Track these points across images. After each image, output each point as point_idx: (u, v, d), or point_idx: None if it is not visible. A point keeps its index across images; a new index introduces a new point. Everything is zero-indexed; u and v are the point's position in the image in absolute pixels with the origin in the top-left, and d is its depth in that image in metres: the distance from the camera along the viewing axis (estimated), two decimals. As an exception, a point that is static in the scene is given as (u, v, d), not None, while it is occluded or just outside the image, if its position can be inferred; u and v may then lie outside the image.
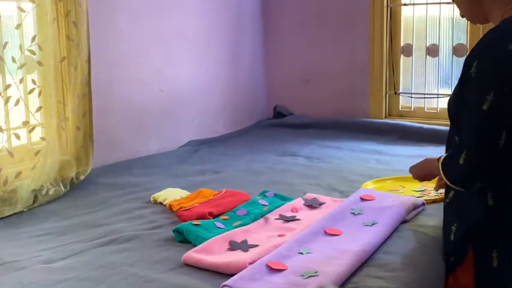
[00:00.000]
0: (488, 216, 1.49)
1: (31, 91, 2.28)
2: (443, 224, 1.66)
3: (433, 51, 3.33)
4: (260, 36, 3.80)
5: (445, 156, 1.55)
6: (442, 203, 1.72)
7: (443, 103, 3.33)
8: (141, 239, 1.76)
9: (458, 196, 1.57)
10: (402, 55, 3.43)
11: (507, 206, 1.46)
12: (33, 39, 2.25)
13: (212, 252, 1.58)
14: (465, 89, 1.48)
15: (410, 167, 1.83)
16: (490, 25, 1.56)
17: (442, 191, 1.87)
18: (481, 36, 1.51)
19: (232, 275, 1.42)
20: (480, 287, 1.53)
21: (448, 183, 1.52)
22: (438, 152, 1.91)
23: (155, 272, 1.52)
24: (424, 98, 3.39)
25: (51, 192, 2.24)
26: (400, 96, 3.46)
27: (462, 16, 1.65)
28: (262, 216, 1.86)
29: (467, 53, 1.54)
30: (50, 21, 2.27)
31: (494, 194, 1.47)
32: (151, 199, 2.17)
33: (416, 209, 1.88)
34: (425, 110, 3.39)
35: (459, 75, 1.53)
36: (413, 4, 3.37)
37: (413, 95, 3.43)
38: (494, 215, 1.48)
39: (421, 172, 1.78)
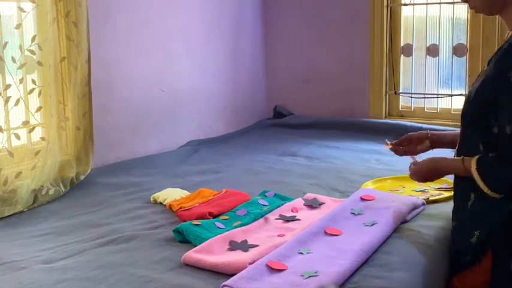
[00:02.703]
0: (510, 221, 1.48)
1: (31, 91, 2.28)
2: (461, 227, 1.63)
3: (433, 51, 3.33)
4: (260, 36, 3.80)
5: (485, 162, 1.49)
6: (443, 203, 1.71)
7: (444, 103, 3.33)
8: (141, 239, 1.76)
9: (481, 201, 1.54)
10: (402, 55, 3.43)
11: None
12: (33, 39, 2.25)
13: (212, 252, 1.58)
14: (501, 95, 1.45)
15: (413, 169, 1.74)
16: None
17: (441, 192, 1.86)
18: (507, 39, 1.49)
19: (232, 275, 1.42)
20: None
21: (489, 191, 1.48)
22: (439, 152, 1.90)
23: (155, 272, 1.52)
24: (424, 98, 3.39)
25: (51, 192, 2.24)
26: (400, 96, 3.46)
27: (473, 7, 1.61)
28: (262, 216, 1.86)
29: (494, 55, 1.52)
30: (50, 21, 2.27)
31: None
32: (151, 199, 2.17)
33: (416, 209, 1.88)
34: (425, 110, 3.39)
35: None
36: (413, 4, 3.37)
37: (413, 95, 3.43)
38: None
39: (426, 173, 1.70)
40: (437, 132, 1.94)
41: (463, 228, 1.62)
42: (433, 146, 1.90)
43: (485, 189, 1.48)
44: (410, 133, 1.93)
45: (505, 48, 1.50)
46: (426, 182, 1.78)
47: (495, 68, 1.49)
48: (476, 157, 1.51)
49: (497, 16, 1.65)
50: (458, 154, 1.65)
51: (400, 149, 1.93)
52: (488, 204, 1.52)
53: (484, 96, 1.52)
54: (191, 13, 3.20)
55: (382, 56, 3.40)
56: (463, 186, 1.62)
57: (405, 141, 1.92)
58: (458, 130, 1.82)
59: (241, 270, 1.43)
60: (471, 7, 1.61)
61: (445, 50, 3.30)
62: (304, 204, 1.98)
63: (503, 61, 1.47)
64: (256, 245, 1.62)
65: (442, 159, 1.65)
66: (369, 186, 2.20)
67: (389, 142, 1.95)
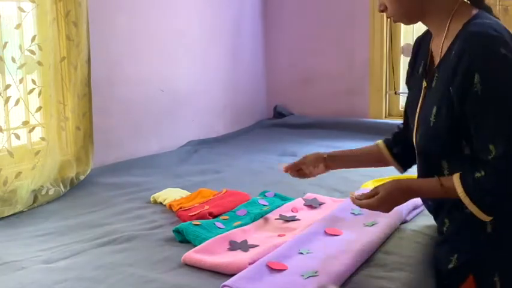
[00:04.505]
0: (488, 243, 1.44)
1: (31, 91, 2.28)
2: (438, 254, 1.57)
3: (433, 51, 3.33)
4: (260, 36, 3.80)
5: (475, 184, 1.36)
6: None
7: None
8: (141, 239, 1.76)
9: (456, 226, 1.51)
10: (402, 55, 3.43)
11: (506, 232, 1.42)
12: (33, 39, 2.25)
13: (212, 252, 1.58)
14: (468, 106, 1.36)
15: (379, 199, 1.45)
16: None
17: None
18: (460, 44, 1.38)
19: (232, 275, 1.42)
20: None
21: (485, 215, 1.37)
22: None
23: (155, 272, 1.52)
24: (424, 98, 3.39)
25: (51, 192, 2.24)
26: (400, 96, 3.46)
27: (382, 11, 1.52)
28: (262, 216, 1.86)
29: (455, 62, 1.38)
30: (50, 21, 2.27)
31: (493, 220, 1.41)
32: (151, 199, 2.17)
33: (416, 209, 1.88)
34: (425, 110, 3.39)
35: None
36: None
37: (413, 95, 3.43)
38: (493, 242, 1.44)
39: (396, 199, 1.47)
40: (333, 153, 1.86)
41: (440, 251, 1.56)
42: (329, 168, 1.83)
43: (478, 213, 1.38)
44: (306, 155, 1.84)
45: (453, 63, 1.39)
46: (391, 210, 1.52)
47: (454, 78, 1.38)
48: (458, 177, 1.39)
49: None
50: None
51: (296, 171, 1.83)
52: (464, 230, 1.48)
53: (449, 123, 1.42)
54: (191, 13, 3.20)
55: (382, 56, 3.40)
56: (436, 211, 1.59)
57: (301, 163, 1.82)
58: (354, 148, 1.86)
59: (241, 270, 1.43)
60: (388, 16, 1.53)
61: (445, 50, 3.29)
62: (304, 204, 1.98)
63: (464, 70, 1.35)
64: (256, 245, 1.62)
65: (411, 180, 1.50)
66: (369, 186, 2.20)
67: (283, 165, 1.84)
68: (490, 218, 1.39)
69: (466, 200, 1.37)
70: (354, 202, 1.50)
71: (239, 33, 3.60)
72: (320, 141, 3.14)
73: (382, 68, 3.41)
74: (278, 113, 3.79)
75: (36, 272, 1.55)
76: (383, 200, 1.46)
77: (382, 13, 1.55)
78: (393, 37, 3.42)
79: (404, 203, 1.82)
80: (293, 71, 3.75)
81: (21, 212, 2.10)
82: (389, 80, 3.46)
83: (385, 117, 3.47)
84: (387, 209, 1.49)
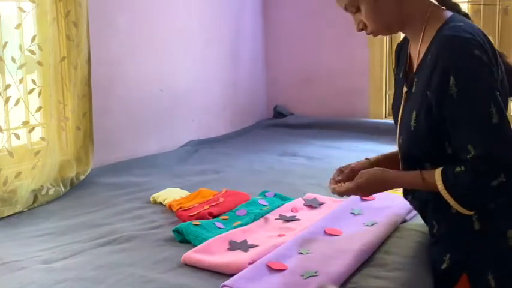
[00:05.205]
0: (477, 241, 1.45)
1: (31, 91, 2.28)
2: (433, 254, 1.58)
3: (433, 51, 3.33)
4: (260, 36, 3.80)
5: (454, 181, 1.38)
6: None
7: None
8: (141, 239, 1.76)
9: (445, 227, 1.52)
10: (402, 55, 3.44)
11: (493, 227, 1.43)
12: (33, 39, 2.25)
13: (212, 252, 1.58)
14: (445, 109, 1.38)
15: (359, 183, 1.50)
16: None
17: None
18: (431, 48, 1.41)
19: (232, 275, 1.42)
20: None
21: (463, 208, 1.39)
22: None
23: (155, 272, 1.52)
24: (424, 98, 3.39)
25: (51, 192, 2.24)
26: (400, 96, 3.46)
27: (361, 29, 1.57)
28: (262, 216, 1.86)
29: (431, 66, 1.40)
30: (50, 21, 2.27)
31: (479, 217, 1.43)
32: (151, 199, 2.17)
33: (416, 209, 1.88)
34: (425, 110, 3.39)
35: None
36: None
37: (413, 95, 3.43)
38: (482, 240, 1.45)
39: (374, 186, 1.52)
40: (377, 157, 1.74)
41: (434, 252, 1.57)
42: None
43: (462, 208, 1.39)
44: (352, 166, 1.65)
45: (429, 67, 1.42)
46: (370, 195, 1.63)
47: (431, 83, 1.40)
48: (440, 172, 1.41)
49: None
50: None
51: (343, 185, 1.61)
52: (453, 230, 1.49)
53: (429, 127, 1.44)
54: (191, 13, 3.20)
55: (382, 56, 3.40)
56: (422, 211, 1.61)
57: (349, 175, 1.63)
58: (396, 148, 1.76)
59: (241, 270, 1.43)
60: (368, 33, 1.55)
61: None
62: (304, 204, 1.98)
63: (441, 73, 1.37)
64: (256, 245, 1.62)
65: (393, 172, 1.51)
66: (369, 186, 2.20)
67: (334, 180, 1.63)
68: (468, 212, 1.40)
69: (443, 192, 1.40)
70: (333, 191, 1.56)
71: (239, 33, 3.60)
72: (320, 141, 3.14)
73: (382, 68, 3.41)
74: (278, 113, 3.79)
75: (36, 272, 1.55)
76: (361, 186, 1.52)
77: (361, 31, 1.57)
78: (393, 37, 3.42)
79: (405, 202, 1.82)
80: (293, 71, 3.75)
81: (21, 212, 2.10)
82: (389, 80, 3.46)
83: (385, 117, 3.47)
84: (365, 195, 1.63)
